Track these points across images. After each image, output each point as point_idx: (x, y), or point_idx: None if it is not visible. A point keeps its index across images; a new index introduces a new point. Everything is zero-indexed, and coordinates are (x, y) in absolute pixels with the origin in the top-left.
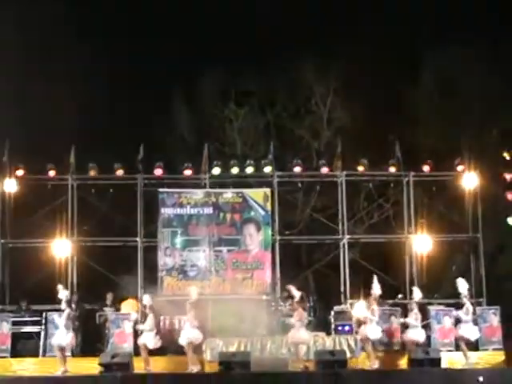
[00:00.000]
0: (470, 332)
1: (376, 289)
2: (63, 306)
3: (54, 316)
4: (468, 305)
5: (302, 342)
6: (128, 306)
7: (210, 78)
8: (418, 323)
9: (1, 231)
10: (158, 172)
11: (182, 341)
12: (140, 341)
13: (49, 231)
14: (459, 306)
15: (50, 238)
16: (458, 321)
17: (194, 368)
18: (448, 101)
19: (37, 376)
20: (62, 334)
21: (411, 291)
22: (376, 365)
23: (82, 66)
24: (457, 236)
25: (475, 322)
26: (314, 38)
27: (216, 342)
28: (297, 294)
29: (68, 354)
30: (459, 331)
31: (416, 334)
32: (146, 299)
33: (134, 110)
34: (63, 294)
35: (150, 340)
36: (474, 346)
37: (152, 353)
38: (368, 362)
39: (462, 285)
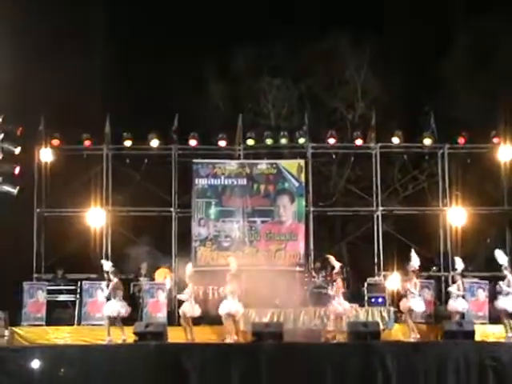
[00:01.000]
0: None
1: (415, 262)
2: (111, 277)
3: (102, 286)
4: (509, 276)
5: (344, 313)
6: (161, 276)
7: (245, 49)
8: (460, 293)
9: (36, 200)
10: (193, 143)
11: (222, 311)
12: (180, 310)
13: (84, 201)
14: (496, 278)
15: (85, 207)
16: (498, 293)
17: (230, 339)
18: (484, 72)
19: (71, 344)
20: (113, 304)
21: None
22: (417, 337)
23: (118, 36)
24: (492, 209)
25: None
26: (348, 10)
27: (249, 313)
28: (336, 264)
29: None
30: (500, 303)
31: (458, 304)
32: (189, 269)
33: (169, 81)
34: (107, 265)
35: (188, 308)
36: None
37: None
38: (406, 333)
39: (501, 256)
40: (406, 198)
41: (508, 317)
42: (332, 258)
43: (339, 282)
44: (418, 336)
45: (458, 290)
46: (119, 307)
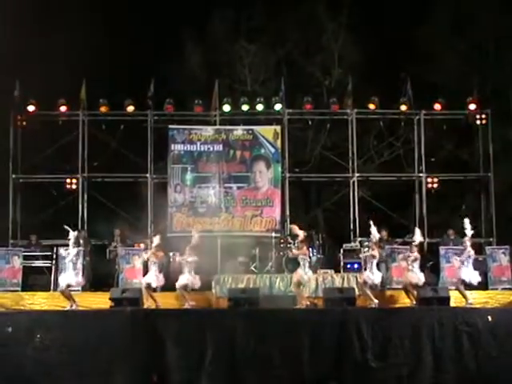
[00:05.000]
0: (470, 274)
1: (374, 232)
2: (71, 245)
3: (63, 252)
4: (469, 248)
5: (308, 280)
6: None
7: (221, 13)
8: (415, 265)
9: (12, 166)
10: (169, 108)
11: (180, 284)
12: (144, 279)
13: (59, 167)
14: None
15: (61, 173)
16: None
17: (188, 305)
18: (461, 38)
19: (48, 310)
20: (70, 274)
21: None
22: (375, 302)
23: (93, 2)
24: (467, 175)
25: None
26: None
27: (225, 279)
28: (300, 232)
29: (78, 288)
30: (460, 272)
31: (414, 276)
32: (156, 240)
33: (145, 46)
34: (71, 234)
35: (152, 279)
36: (476, 287)
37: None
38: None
39: (468, 226)
40: (381, 165)
41: (462, 286)
42: (295, 227)
43: (304, 249)
44: (376, 302)
45: (414, 260)
46: (73, 276)
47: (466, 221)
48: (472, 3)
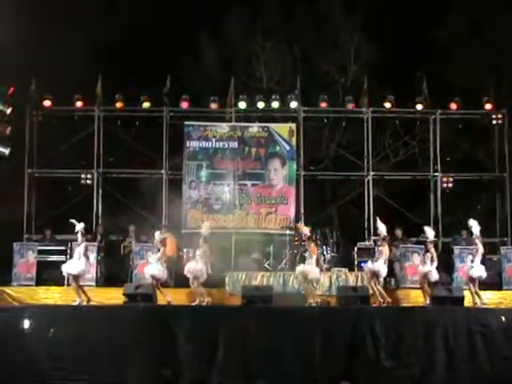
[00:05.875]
0: (480, 271)
1: (381, 228)
2: (79, 238)
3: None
4: (480, 245)
5: (312, 277)
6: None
7: (238, 11)
8: (431, 262)
9: (27, 161)
10: (184, 105)
11: (187, 272)
12: (147, 271)
13: (75, 162)
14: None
15: (76, 168)
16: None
17: (204, 301)
18: (477, 37)
19: (62, 304)
20: (75, 263)
21: (435, 229)
22: (381, 300)
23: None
24: (483, 175)
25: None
26: None
27: (239, 276)
28: (306, 230)
29: (92, 283)
30: (470, 271)
31: (429, 273)
32: (157, 235)
33: (160, 43)
34: (79, 226)
35: (153, 271)
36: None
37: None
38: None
39: (475, 226)
40: (397, 163)
41: (475, 284)
42: (300, 226)
43: (312, 246)
44: (381, 300)
45: (432, 258)
46: (76, 266)
47: (471, 220)
48: (488, 2)
